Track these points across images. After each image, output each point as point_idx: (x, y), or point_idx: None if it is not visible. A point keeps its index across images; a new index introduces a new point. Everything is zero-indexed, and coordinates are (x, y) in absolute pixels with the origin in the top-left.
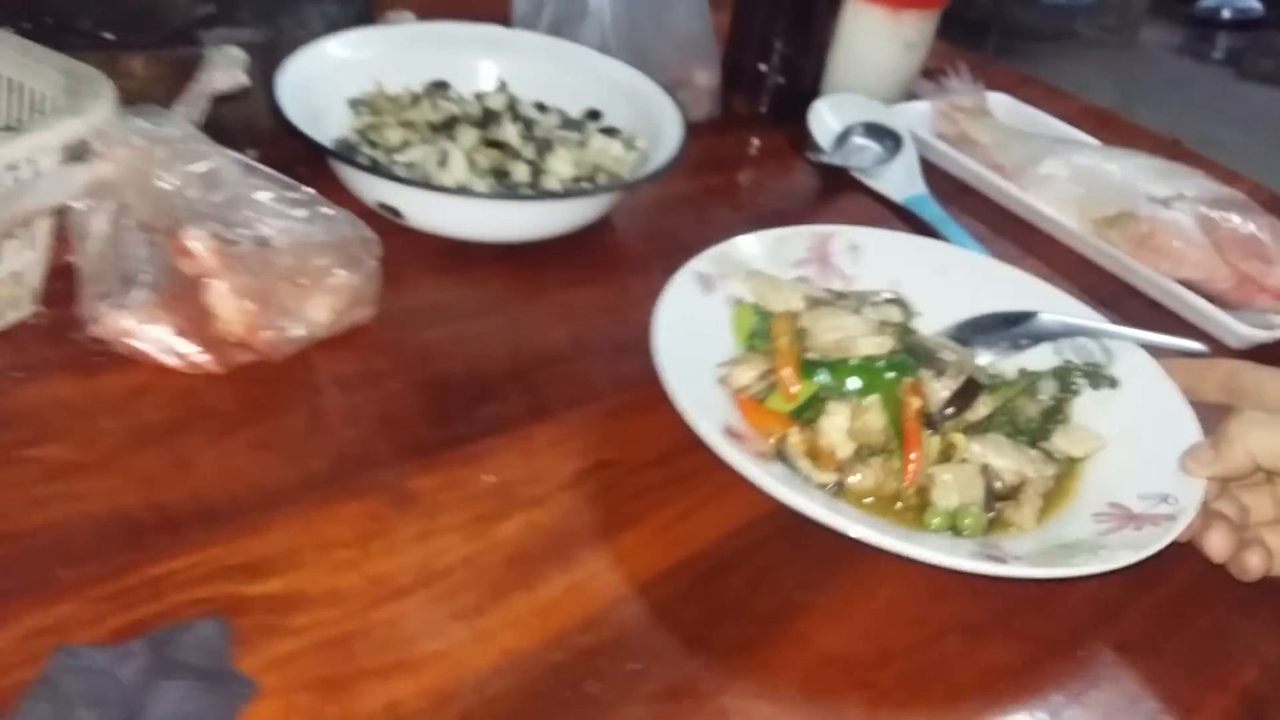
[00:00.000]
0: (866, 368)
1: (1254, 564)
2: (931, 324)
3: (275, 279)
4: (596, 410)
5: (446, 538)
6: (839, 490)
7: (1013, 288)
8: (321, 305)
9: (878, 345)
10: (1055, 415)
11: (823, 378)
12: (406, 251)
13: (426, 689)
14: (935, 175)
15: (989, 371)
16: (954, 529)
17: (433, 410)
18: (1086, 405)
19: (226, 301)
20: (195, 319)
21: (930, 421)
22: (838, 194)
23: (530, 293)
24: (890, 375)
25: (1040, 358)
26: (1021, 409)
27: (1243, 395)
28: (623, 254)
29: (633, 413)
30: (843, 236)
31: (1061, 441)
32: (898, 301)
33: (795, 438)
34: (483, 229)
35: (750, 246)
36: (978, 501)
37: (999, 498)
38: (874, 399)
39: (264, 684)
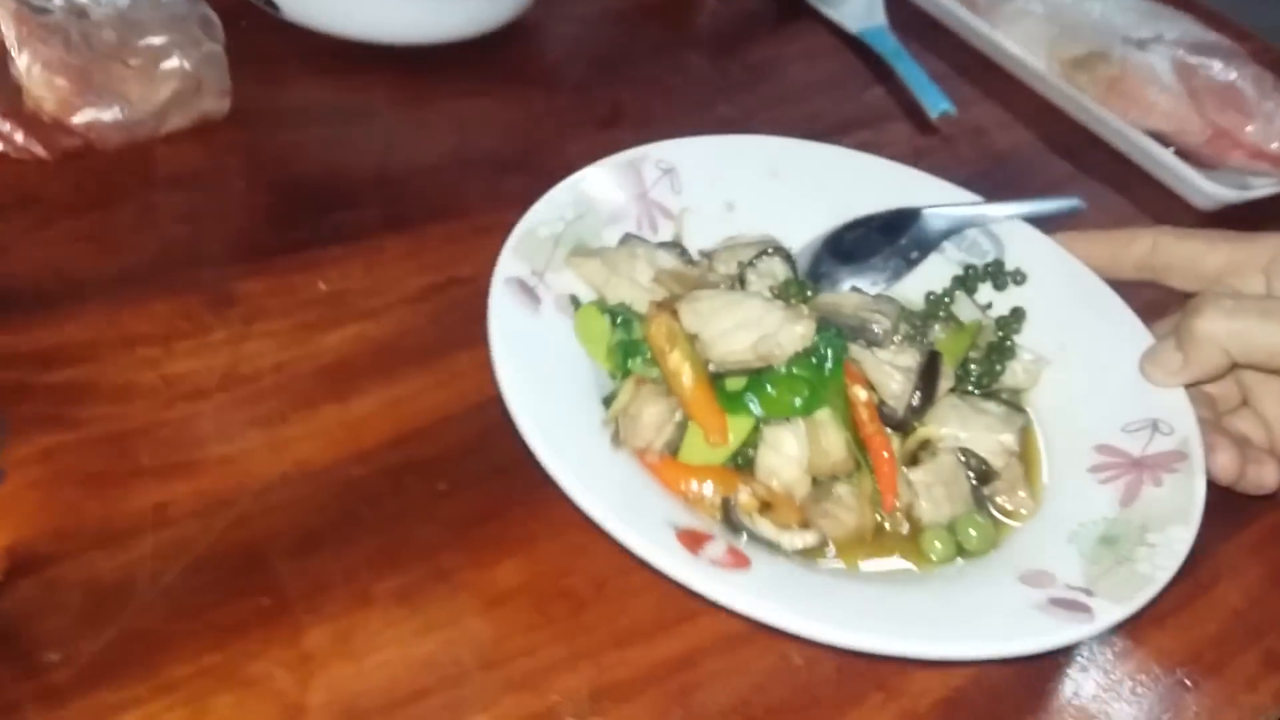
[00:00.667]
0: (801, 374)
1: (1272, 478)
2: (793, 249)
3: (96, 56)
4: (463, 227)
5: (261, 343)
6: (820, 548)
7: (858, 178)
8: (153, 90)
9: (803, 335)
10: (1001, 349)
11: (753, 405)
12: (284, 49)
13: (202, 492)
14: (900, 7)
15: (906, 311)
16: (959, 549)
17: (278, 214)
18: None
19: (35, 75)
20: (6, 94)
21: (888, 416)
22: (789, 24)
23: (415, 100)
24: (829, 369)
25: (936, 270)
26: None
27: (1170, 271)
28: (532, 66)
29: (503, 231)
30: (650, 161)
31: (1008, 377)
32: (778, 251)
33: (744, 496)
34: (367, 26)
35: (549, 213)
36: (967, 500)
37: (982, 480)
38: (823, 413)
39: (31, 475)
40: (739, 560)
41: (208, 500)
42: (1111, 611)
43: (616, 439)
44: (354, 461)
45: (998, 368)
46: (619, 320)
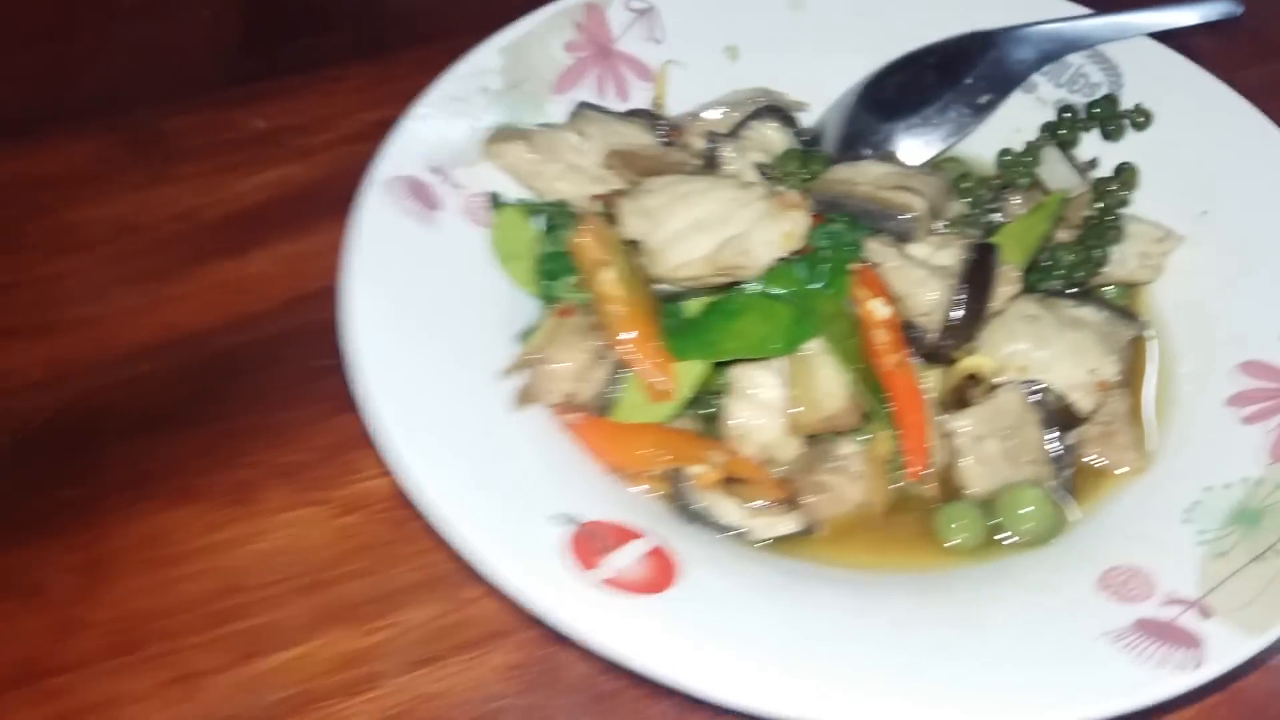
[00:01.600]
0: (781, 294)
1: None
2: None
3: None
4: (441, 54)
5: (172, 188)
6: (806, 537)
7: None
8: None
9: (787, 236)
10: (1102, 229)
11: (707, 343)
12: None
13: (54, 359)
14: None
15: (969, 181)
16: (1004, 531)
17: (240, 43)
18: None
19: None
20: None
21: (917, 342)
22: None
23: None
24: (819, 285)
25: (1019, 118)
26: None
27: None
28: None
29: None
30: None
31: (1116, 258)
32: (774, 110)
33: (698, 472)
34: None
35: (466, 84)
36: (1037, 459)
37: (1063, 427)
38: (815, 346)
39: None
40: (657, 574)
41: (58, 368)
42: (1236, 646)
43: (526, 393)
44: (231, 328)
45: (1096, 255)
46: (550, 226)
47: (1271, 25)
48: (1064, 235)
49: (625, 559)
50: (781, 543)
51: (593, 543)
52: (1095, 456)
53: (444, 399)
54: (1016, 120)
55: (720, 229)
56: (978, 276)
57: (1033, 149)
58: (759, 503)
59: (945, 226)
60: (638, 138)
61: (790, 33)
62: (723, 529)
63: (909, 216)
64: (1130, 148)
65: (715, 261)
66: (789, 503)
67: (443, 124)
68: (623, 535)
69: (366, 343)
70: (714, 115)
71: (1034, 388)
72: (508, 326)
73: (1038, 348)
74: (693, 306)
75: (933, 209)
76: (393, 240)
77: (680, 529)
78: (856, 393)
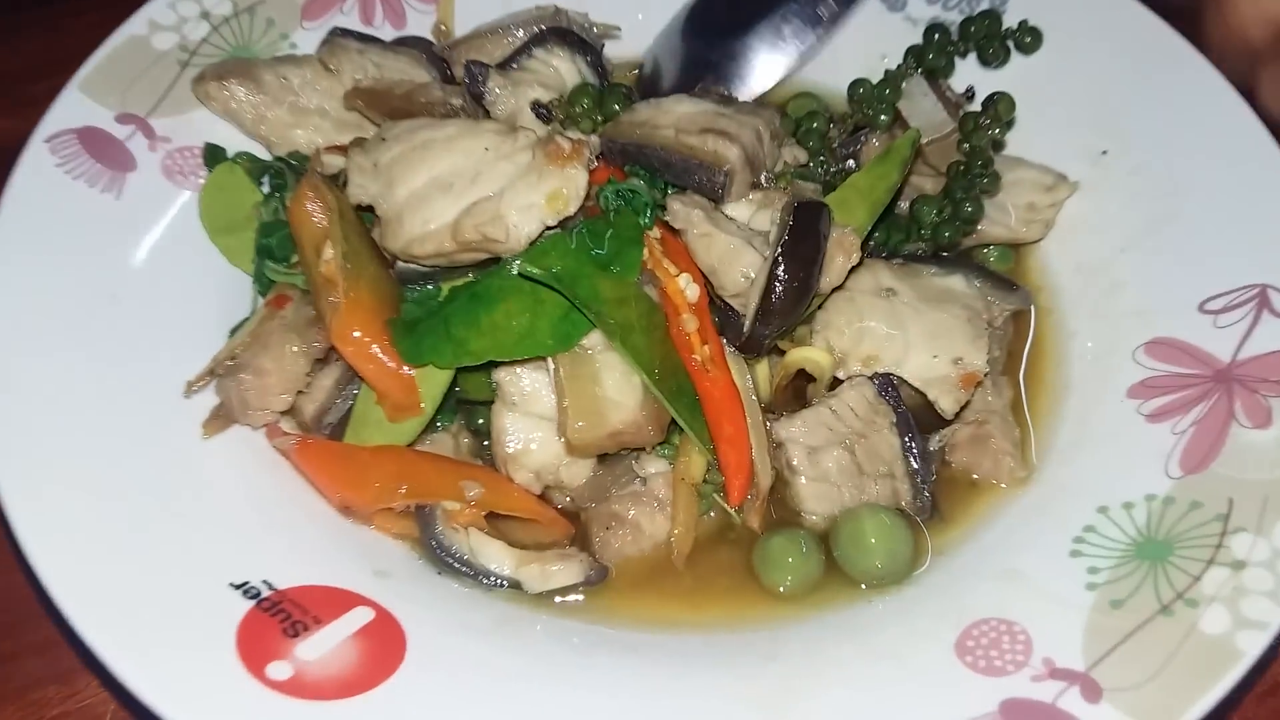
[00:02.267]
0: (543, 274)
1: None
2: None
3: None
4: None
5: None
6: (599, 582)
7: None
8: None
9: (553, 198)
10: (970, 175)
11: (457, 335)
12: None
13: None
14: None
15: (809, 115)
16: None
17: None
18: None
19: None
20: None
21: (732, 329)
22: None
23: None
24: (601, 255)
25: (885, 39)
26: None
27: None
28: None
29: None
30: None
31: (996, 212)
32: (563, 35)
33: (451, 508)
34: None
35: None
36: (893, 473)
37: (925, 430)
38: (596, 341)
39: None
40: (371, 660)
41: None
42: None
43: (217, 416)
44: None
45: (965, 210)
46: (273, 189)
47: None
48: (930, 185)
49: (326, 643)
50: (559, 595)
51: (276, 626)
52: (966, 466)
53: (93, 436)
54: (883, 45)
55: (467, 189)
56: (802, 245)
57: (891, 79)
58: (533, 549)
59: (773, 179)
60: (408, 73)
61: None
62: (488, 580)
63: (722, 170)
64: (1015, 76)
65: (460, 233)
66: (574, 542)
67: (141, 57)
68: (334, 604)
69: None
70: (496, 40)
71: (885, 383)
72: (219, 325)
73: (891, 331)
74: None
75: (751, 158)
76: (57, 216)
77: (417, 591)
78: (652, 400)
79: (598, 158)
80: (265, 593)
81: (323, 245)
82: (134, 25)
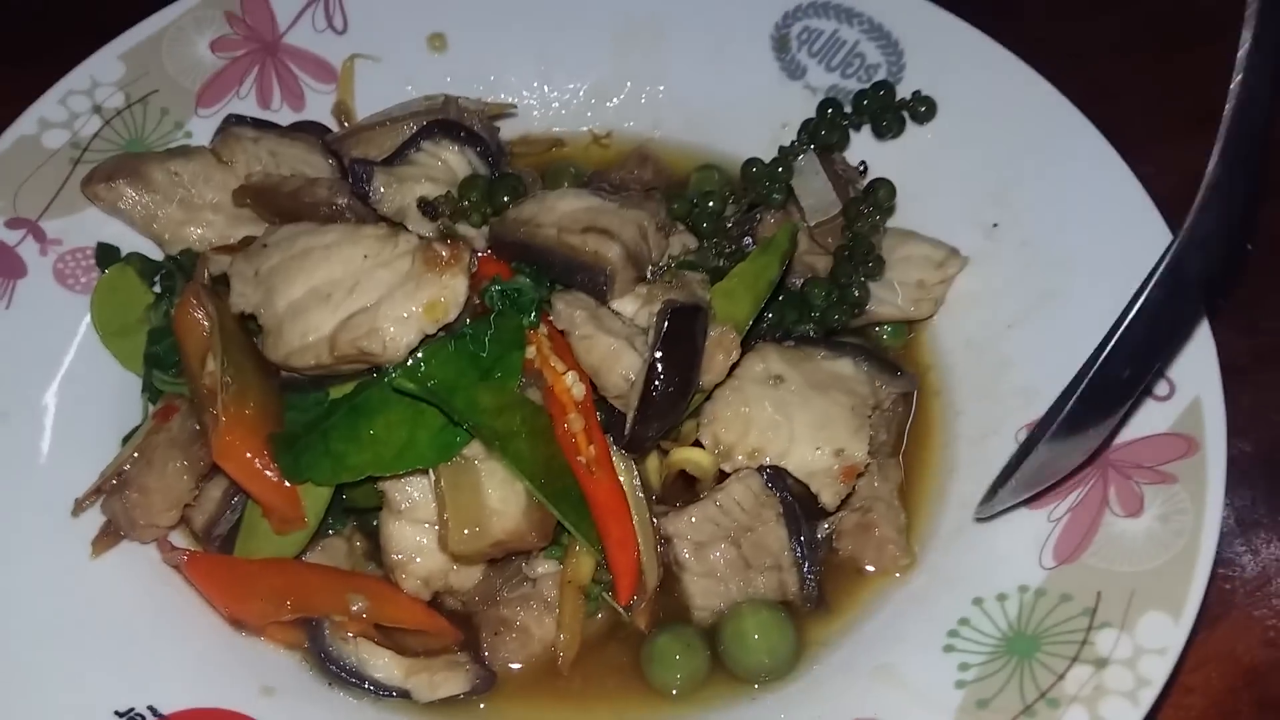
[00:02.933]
0: (418, 385)
1: None
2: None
3: None
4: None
5: None
6: (486, 690)
7: None
8: None
9: (430, 308)
10: (858, 256)
11: (341, 448)
12: None
13: None
14: None
15: (709, 194)
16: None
17: None
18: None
19: None
20: None
21: (615, 429)
22: None
23: None
24: (486, 362)
25: (785, 107)
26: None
27: None
28: None
29: None
30: None
31: (885, 291)
32: (449, 127)
33: (340, 621)
34: None
35: (70, 104)
36: (774, 566)
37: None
38: (476, 449)
39: None
40: None
41: None
42: None
43: (105, 534)
44: None
45: (850, 294)
46: (164, 291)
47: None
48: (822, 265)
49: None
50: (453, 704)
51: None
52: (852, 554)
53: None
54: (783, 113)
55: (346, 300)
56: (679, 348)
57: (784, 158)
58: (423, 657)
59: (659, 272)
60: (305, 160)
61: (509, 13)
62: (378, 690)
63: (603, 270)
64: (908, 146)
65: (336, 347)
66: (464, 646)
67: (31, 158)
68: None
69: None
70: (386, 132)
71: (774, 474)
72: (113, 434)
73: (777, 421)
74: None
75: (634, 255)
76: None
77: (303, 709)
78: (536, 505)
79: (488, 250)
80: (150, 719)
81: (206, 355)
82: (23, 124)
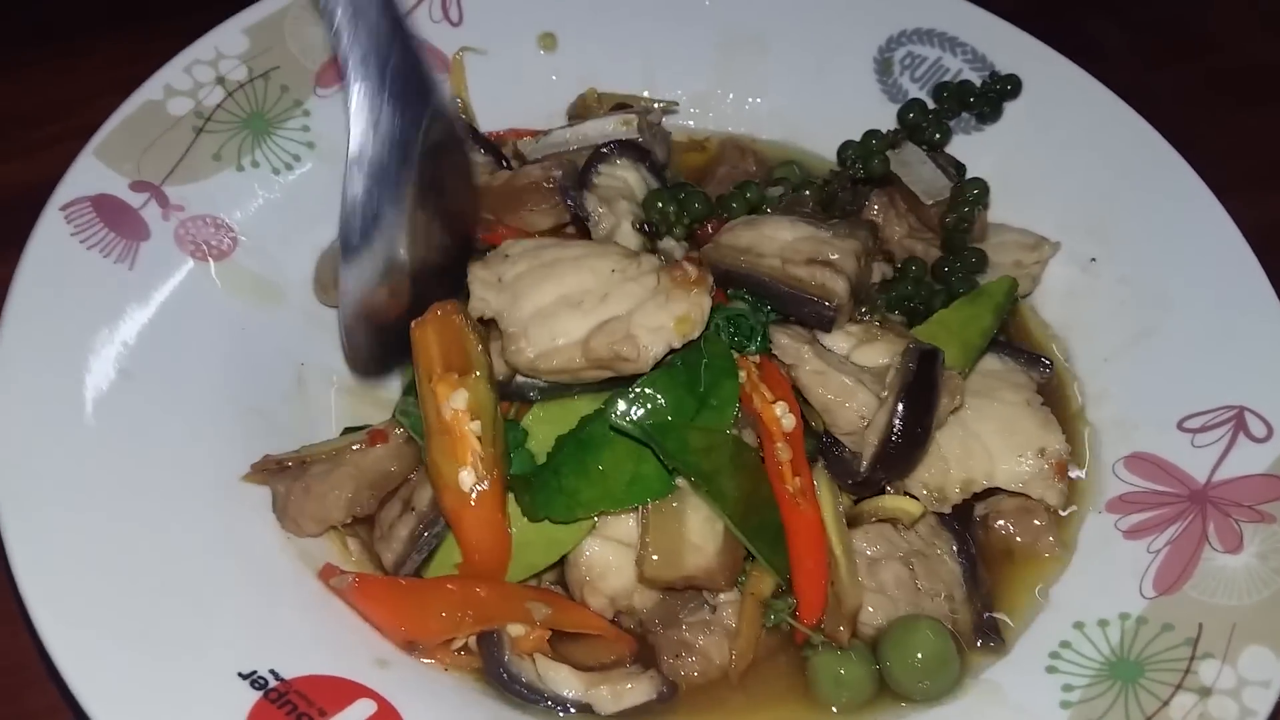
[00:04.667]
0: (634, 418)
1: None
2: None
3: None
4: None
5: None
6: (670, 699)
7: None
8: None
9: (680, 322)
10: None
11: (574, 484)
12: None
13: None
14: None
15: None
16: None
17: None
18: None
19: None
20: None
21: (844, 468)
22: None
23: None
24: (702, 390)
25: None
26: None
27: None
28: None
29: None
30: None
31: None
32: (621, 149)
33: (517, 633)
34: None
35: (194, 73)
36: (954, 584)
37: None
38: (680, 489)
39: None
40: None
41: None
42: None
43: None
44: None
45: (959, 291)
46: None
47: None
48: (921, 249)
49: None
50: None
51: (283, 718)
52: (1005, 535)
53: (106, 517)
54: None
55: (598, 308)
56: (922, 393)
57: (874, 132)
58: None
59: (867, 313)
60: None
61: (619, 17)
62: (559, 704)
63: (831, 305)
64: (1008, 181)
65: (590, 350)
66: (638, 661)
67: (157, 125)
68: (338, 696)
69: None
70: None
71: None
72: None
73: (967, 443)
74: (537, 432)
75: (856, 289)
76: (70, 288)
77: (417, 682)
78: (730, 547)
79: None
80: (272, 683)
81: (444, 382)
82: (149, 90)
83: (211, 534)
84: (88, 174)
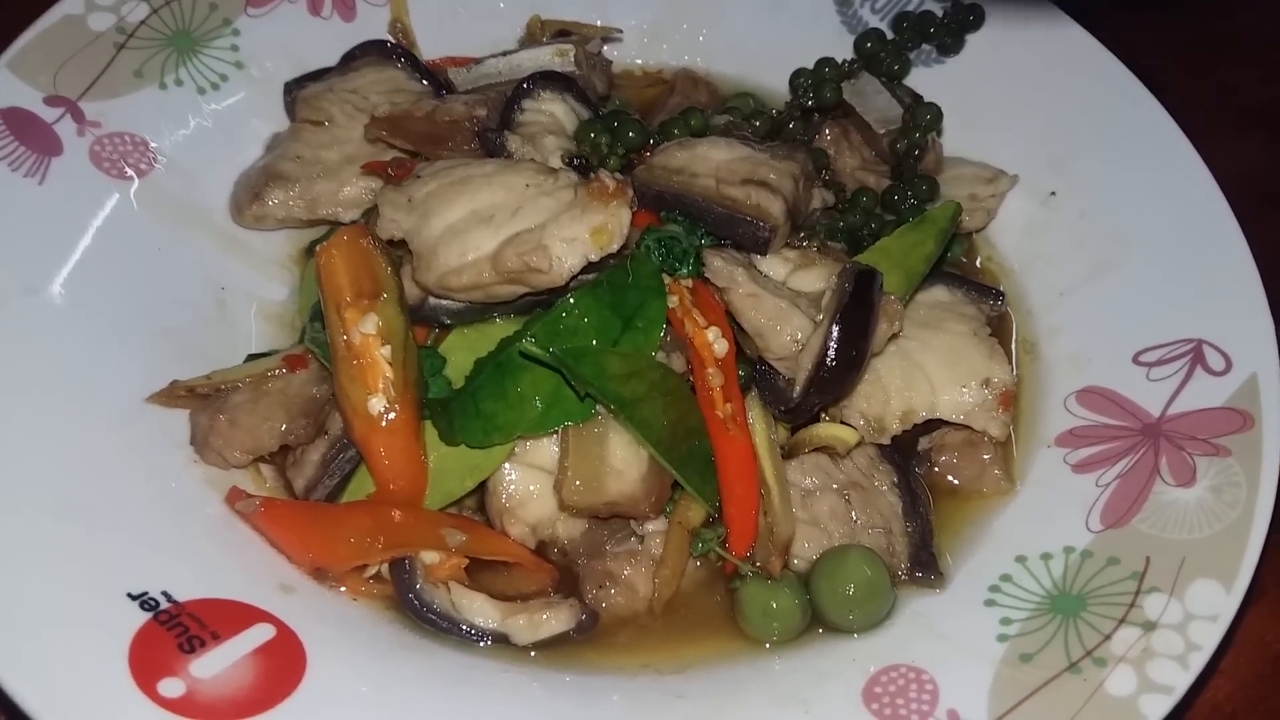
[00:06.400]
0: (549, 342)
1: None
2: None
3: None
4: None
5: None
6: (590, 629)
7: None
8: None
9: (596, 233)
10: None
11: (491, 408)
12: None
13: None
14: None
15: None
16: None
17: None
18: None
19: None
20: None
21: (776, 393)
22: None
23: None
24: (627, 310)
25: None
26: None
27: None
28: None
29: None
30: None
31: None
32: (549, 79)
33: (430, 560)
34: None
35: None
36: (888, 513)
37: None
38: (599, 418)
39: None
40: (269, 677)
41: None
42: None
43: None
44: None
45: (904, 207)
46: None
47: None
48: (874, 180)
49: (222, 660)
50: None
51: (171, 641)
52: (947, 471)
53: None
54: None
55: (510, 222)
56: (859, 314)
57: (826, 60)
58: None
59: (805, 238)
60: (399, 88)
61: None
62: (473, 634)
63: (766, 226)
64: (968, 114)
65: (500, 262)
66: (558, 591)
67: (76, 38)
68: (234, 619)
69: None
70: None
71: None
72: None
73: (909, 373)
74: (455, 358)
75: (793, 210)
76: None
77: (321, 608)
78: (655, 473)
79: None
80: (164, 604)
81: (353, 307)
82: (69, 4)
83: (113, 454)
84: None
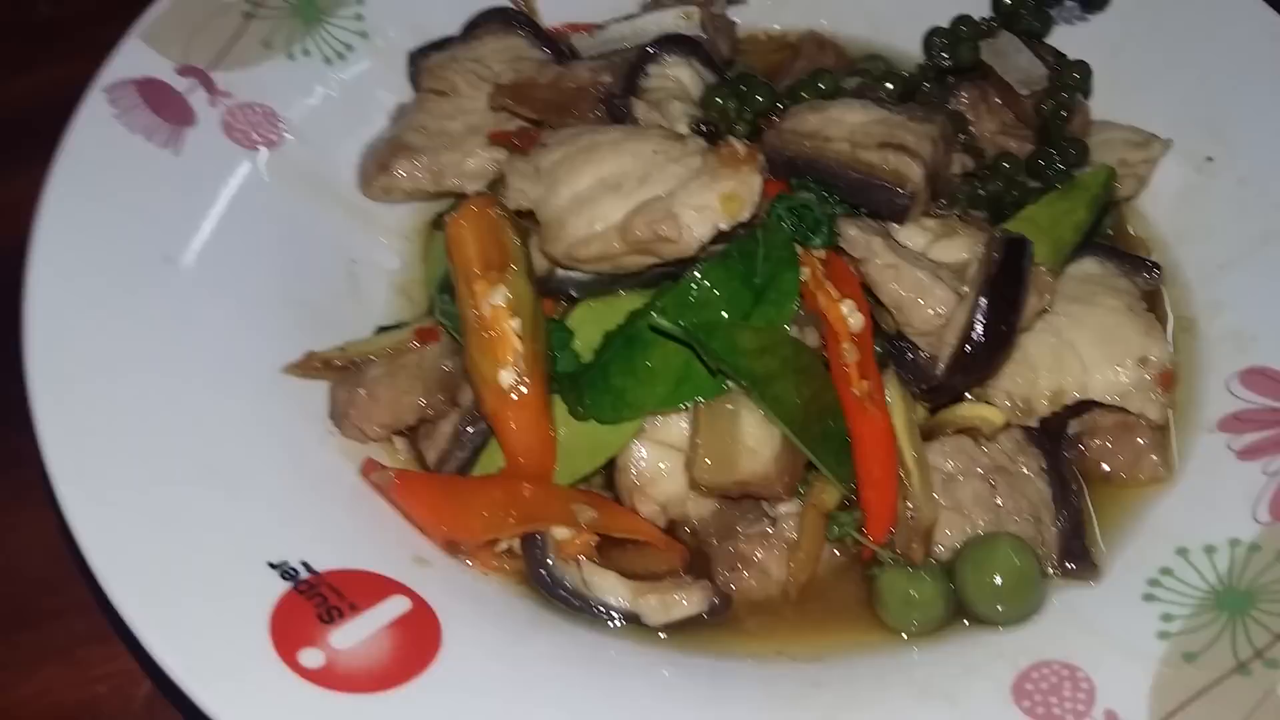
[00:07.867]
0: (678, 316)
1: None
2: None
3: None
4: None
5: None
6: (723, 613)
7: None
8: None
9: (727, 200)
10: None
11: (621, 383)
12: None
13: None
14: None
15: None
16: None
17: None
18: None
19: None
20: None
21: (919, 371)
22: None
23: None
24: (759, 283)
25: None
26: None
27: None
28: None
29: None
30: None
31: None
32: (674, 42)
33: (561, 536)
34: None
35: None
36: (1037, 502)
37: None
38: (731, 394)
39: None
40: (405, 652)
41: None
42: None
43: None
44: None
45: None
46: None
47: None
48: (1015, 145)
49: (360, 631)
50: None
51: (311, 611)
52: (1099, 456)
53: (140, 403)
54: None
55: (638, 190)
56: (1008, 287)
57: (967, 20)
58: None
59: (946, 205)
60: (522, 56)
61: None
62: (604, 613)
63: (904, 191)
64: (1121, 73)
65: (629, 232)
66: (690, 573)
67: (205, 9)
68: (371, 591)
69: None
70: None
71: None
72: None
73: (1059, 351)
74: (583, 332)
75: (932, 176)
76: (112, 170)
77: (456, 582)
78: (789, 453)
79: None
80: (303, 574)
81: (482, 279)
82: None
83: (250, 423)
84: (133, 57)
